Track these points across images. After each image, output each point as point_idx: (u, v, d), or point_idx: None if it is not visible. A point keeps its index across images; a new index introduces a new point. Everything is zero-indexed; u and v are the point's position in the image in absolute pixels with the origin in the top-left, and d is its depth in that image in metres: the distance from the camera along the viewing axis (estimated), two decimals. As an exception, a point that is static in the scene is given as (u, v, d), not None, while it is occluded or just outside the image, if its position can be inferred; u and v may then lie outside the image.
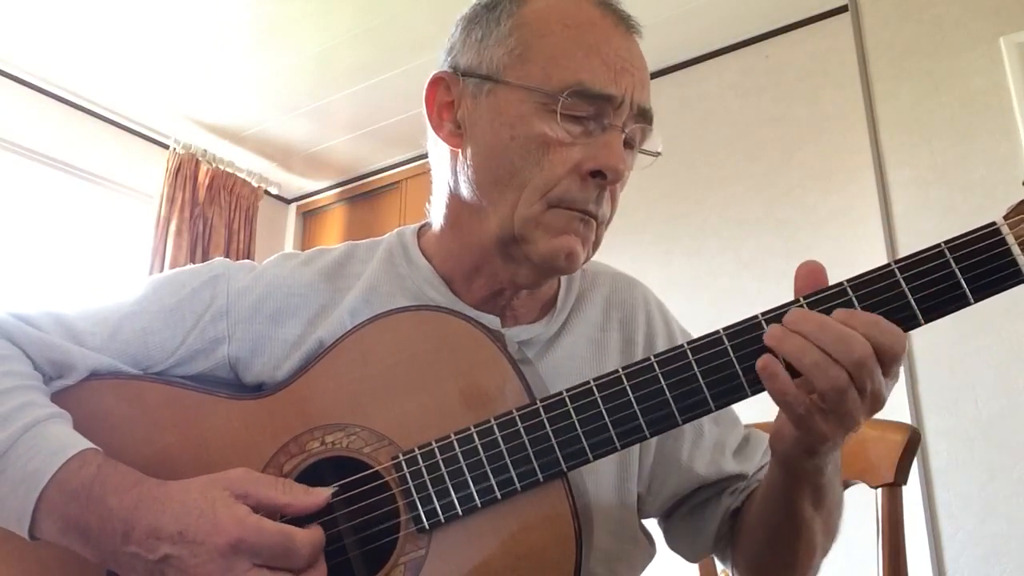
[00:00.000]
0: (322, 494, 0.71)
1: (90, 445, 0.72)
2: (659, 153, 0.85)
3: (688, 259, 2.88)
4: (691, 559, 0.95)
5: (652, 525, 0.95)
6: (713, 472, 0.89)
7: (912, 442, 0.97)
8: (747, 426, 0.95)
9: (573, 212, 0.77)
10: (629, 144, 0.81)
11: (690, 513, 0.91)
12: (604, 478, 0.85)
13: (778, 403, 0.65)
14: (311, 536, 0.68)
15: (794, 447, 0.69)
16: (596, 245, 0.82)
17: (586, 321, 0.90)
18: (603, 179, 0.77)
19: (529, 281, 0.82)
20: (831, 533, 0.82)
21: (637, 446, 0.88)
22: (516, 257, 0.80)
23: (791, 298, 0.67)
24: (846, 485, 1.01)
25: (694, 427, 0.89)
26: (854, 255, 2.46)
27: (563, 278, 0.92)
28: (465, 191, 0.82)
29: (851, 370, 0.61)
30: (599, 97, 0.76)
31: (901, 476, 0.97)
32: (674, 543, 0.94)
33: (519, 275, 0.81)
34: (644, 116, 0.81)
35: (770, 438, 0.71)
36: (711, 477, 0.89)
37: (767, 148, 2.84)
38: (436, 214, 0.89)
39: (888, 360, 0.63)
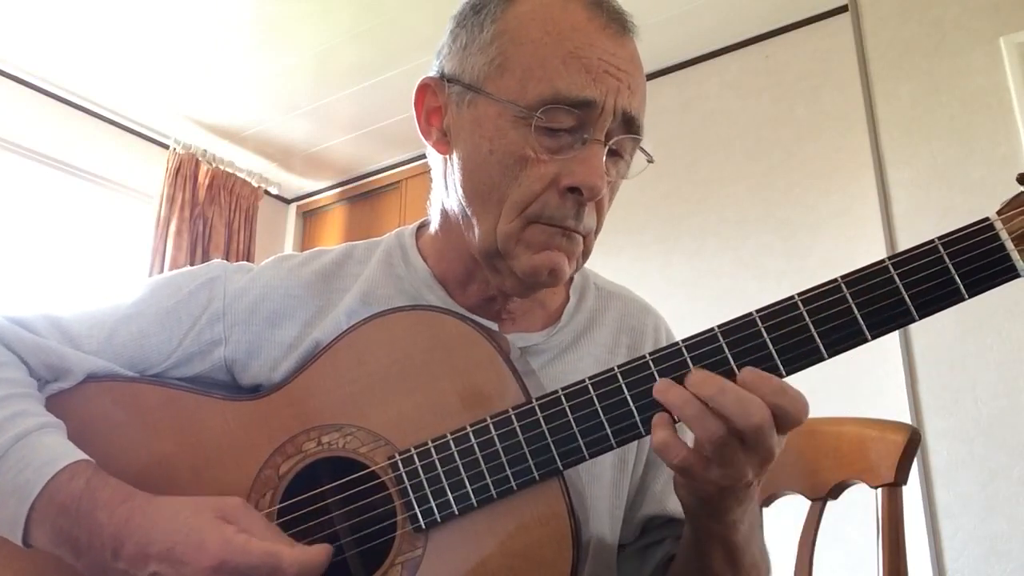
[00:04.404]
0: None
1: (82, 456, 0.72)
2: (651, 160, 0.82)
3: (688, 259, 2.88)
4: None
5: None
6: (679, 510, 0.85)
7: (912, 442, 0.96)
8: None
9: (553, 228, 0.76)
10: (618, 153, 0.79)
11: (641, 550, 0.89)
12: (602, 479, 0.84)
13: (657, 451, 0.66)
14: (302, 557, 0.67)
15: (688, 496, 0.69)
16: (586, 255, 0.81)
17: (594, 342, 0.89)
18: (581, 195, 0.75)
19: (517, 292, 0.82)
20: None
21: (632, 468, 0.88)
22: (501, 270, 0.79)
23: (787, 296, 0.67)
24: (846, 485, 1.01)
25: None
26: (854, 255, 2.46)
27: (573, 292, 0.91)
28: (453, 199, 0.82)
29: (741, 427, 0.62)
30: (576, 104, 0.73)
31: (901, 476, 0.96)
32: (620, 572, 0.90)
33: (506, 286, 0.81)
34: (631, 125, 0.77)
35: (676, 485, 0.71)
36: (674, 513, 0.87)
37: (767, 148, 2.84)
38: (433, 215, 0.89)
39: (788, 425, 0.63)
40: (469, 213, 0.79)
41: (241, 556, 0.65)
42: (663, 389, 0.66)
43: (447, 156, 0.82)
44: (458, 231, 0.82)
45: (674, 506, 0.87)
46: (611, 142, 0.76)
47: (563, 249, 0.77)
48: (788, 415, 0.62)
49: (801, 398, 0.64)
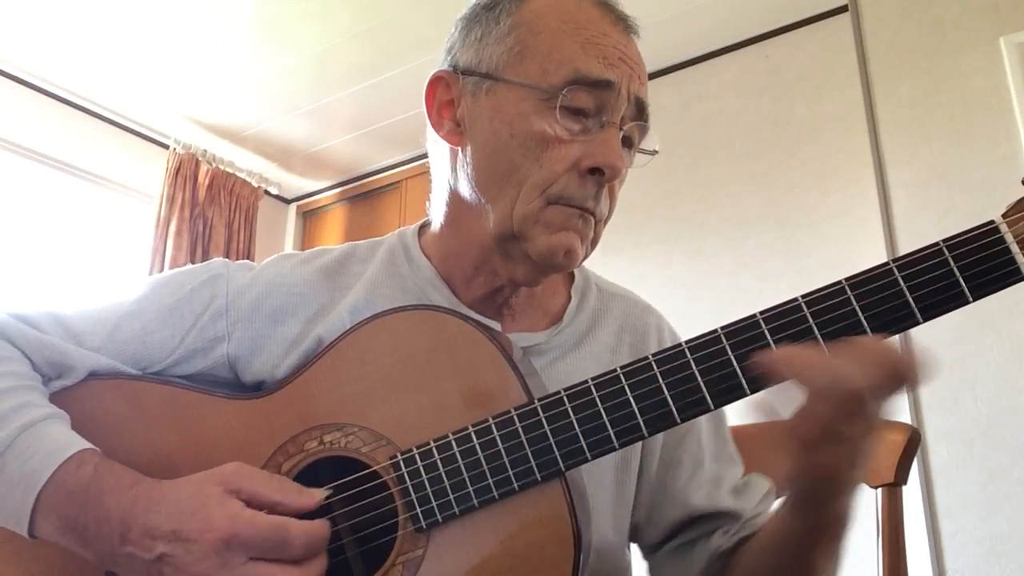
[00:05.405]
0: (316, 495, 0.70)
1: (88, 445, 0.72)
2: (656, 151, 0.85)
3: (688, 259, 2.88)
4: None
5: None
6: (707, 504, 0.86)
7: (912, 442, 0.96)
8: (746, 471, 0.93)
9: (572, 209, 0.77)
10: (628, 143, 0.82)
11: (679, 549, 0.88)
12: (604, 480, 0.84)
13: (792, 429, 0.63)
14: (308, 527, 0.68)
15: (806, 484, 0.66)
16: (595, 242, 0.82)
17: (597, 341, 0.89)
18: (601, 176, 0.77)
19: (528, 279, 0.82)
20: None
21: (637, 467, 0.88)
22: (514, 255, 0.80)
23: (791, 298, 0.67)
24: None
25: (694, 459, 0.88)
26: (854, 255, 2.47)
27: (574, 292, 0.92)
28: (465, 189, 0.82)
29: (866, 391, 0.60)
30: (596, 84, 0.76)
31: (901, 476, 0.96)
32: (662, 573, 0.90)
33: (518, 273, 0.81)
34: (641, 112, 0.81)
35: (790, 476, 0.67)
36: (705, 509, 0.86)
37: (767, 148, 2.84)
38: (436, 213, 0.89)
39: (902, 383, 0.62)
40: (483, 200, 0.80)
41: (248, 529, 0.66)
42: (789, 358, 0.62)
43: (460, 147, 0.82)
44: (467, 222, 0.83)
45: (699, 500, 0.87)
46: (625, 128, 0.79)
47: (579, 231, 0.78)
48: (901, 375, 0.61)
49: (914, 357, 0.61)
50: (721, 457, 0.90)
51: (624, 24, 0.82)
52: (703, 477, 0.88)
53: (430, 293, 0.86)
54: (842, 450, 0.63)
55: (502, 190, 0.79)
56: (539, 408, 0.69)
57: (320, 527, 0.69)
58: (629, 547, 0.91)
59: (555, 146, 0.77)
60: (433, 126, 0.85)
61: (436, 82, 0.85)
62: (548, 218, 0.77)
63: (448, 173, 0.85)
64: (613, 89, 0.77)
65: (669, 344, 0.91)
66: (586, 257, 0.83)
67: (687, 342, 0.68)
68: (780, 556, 0.76)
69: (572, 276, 0.94)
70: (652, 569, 0.92)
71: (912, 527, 2.14)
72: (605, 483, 0.85)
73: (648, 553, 0.92)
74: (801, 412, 0.62)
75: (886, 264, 0.64)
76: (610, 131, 0.78)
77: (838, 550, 0.73)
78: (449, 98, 0.84)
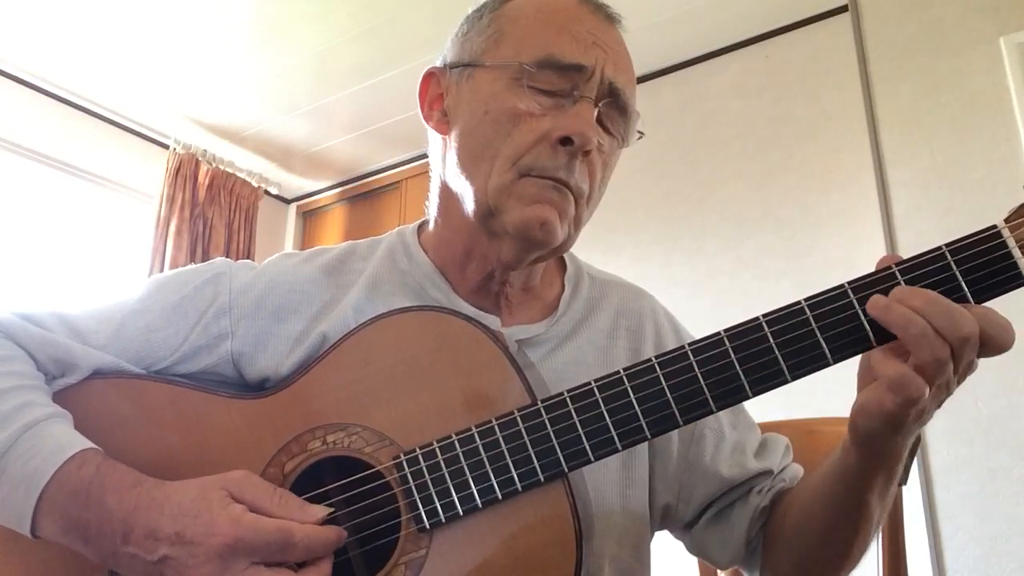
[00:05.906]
0: (317, 513, 0.70)
1: (90, 445, 0.72)
2: (642, 133, 0.87)
3: (688, 259, 2.88)
4: (723, 565, 0.93)
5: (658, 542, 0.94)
6: (737, 473, 0.88)
7: (912, 442, 0.97)
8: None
9: (544, 180, 0.78)
10: (605, 128, 0.82)
11: (717, 518, 0.90)
12: (607, 486, 0.85)
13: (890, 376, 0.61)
14: (311, 531, 0.68)
15: (883, 422, 0.64)
16: (578, 223, 0.83)
17: (594, 328, 0.90)
18: (572, 146, 0.78)
19: (513, 257, 0.82)
20: (874, 536, 0.79)
21: (646, 454, 0.89)
22: (496, 232, 0.81)
23: (792, 298, 0.67)
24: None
25: (715, 432, 0.90)
26: (854, 255, 2.47)
27: (568, 282, 0.93)
28: (451, 175, 0.84)
29: (955, 345, 0.60)
30: (568, 68, 0.78)
31: (901, 476, 0.97)
32: (703, 550, 0.92)
33: (503, 252, 0.82)
34: (615, 96, 0.81)
35: (854, 413, 0.66)
36: (736, 478, 0.88)
37: (767, 148, 2.84)
38: (432, 208, 0.91)
39: (992, 347, 0.62)
40: (464, 178, 0.82)
41: (252, 534, 0.66)
42: (883, 306, 0.62)
43: (446, 136, 0.85)
44: (455, 207, 0.85)
45: (729, 471, 0.88)
46: (599, 105, 0.80)
47: (554, 204, 0.79)
48: (992, 337, 0.61)
49: (1007, 322, 0.62)
50: (739, 425, 0.92)
51: (603, 12, 0.84)
52: (727, 447, 0.90)
53: (428, 288, 0.87)
54: (933, 398, 0.63)
55: (478, 166, 0.81)
56: (542, 409, 0.70)
57: (327, 532, 0.69)
58: (652, 533, 0.92)
59: (526, 120, 0.79)
60: (425, 119, 0.88)
61: (428, 78, 0.89)
62: (521, 190, 0.79)
63: (439, 163, 0.88)
64: (585, 73, 0.79)
65: (666, 326, 0.94)
66: (570, 238, 0.83)
67: (690, 344, 0.68)
68: (833, 497, 0.76)
69: (564, 266, 0.95)
70: (693, 544, 0.93)
71: (912, 527, 2.14)
72: (611, 465, 0.85)
73: (684, 530, 0.93)
74: (914, 357, 0.61)
75: (889, 268, 0.65)
76: (583, 104, 0.79)
77: (890, 492, 0.75)
78: (439, 92, 0.87)
